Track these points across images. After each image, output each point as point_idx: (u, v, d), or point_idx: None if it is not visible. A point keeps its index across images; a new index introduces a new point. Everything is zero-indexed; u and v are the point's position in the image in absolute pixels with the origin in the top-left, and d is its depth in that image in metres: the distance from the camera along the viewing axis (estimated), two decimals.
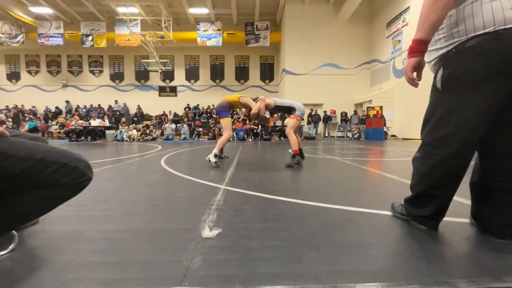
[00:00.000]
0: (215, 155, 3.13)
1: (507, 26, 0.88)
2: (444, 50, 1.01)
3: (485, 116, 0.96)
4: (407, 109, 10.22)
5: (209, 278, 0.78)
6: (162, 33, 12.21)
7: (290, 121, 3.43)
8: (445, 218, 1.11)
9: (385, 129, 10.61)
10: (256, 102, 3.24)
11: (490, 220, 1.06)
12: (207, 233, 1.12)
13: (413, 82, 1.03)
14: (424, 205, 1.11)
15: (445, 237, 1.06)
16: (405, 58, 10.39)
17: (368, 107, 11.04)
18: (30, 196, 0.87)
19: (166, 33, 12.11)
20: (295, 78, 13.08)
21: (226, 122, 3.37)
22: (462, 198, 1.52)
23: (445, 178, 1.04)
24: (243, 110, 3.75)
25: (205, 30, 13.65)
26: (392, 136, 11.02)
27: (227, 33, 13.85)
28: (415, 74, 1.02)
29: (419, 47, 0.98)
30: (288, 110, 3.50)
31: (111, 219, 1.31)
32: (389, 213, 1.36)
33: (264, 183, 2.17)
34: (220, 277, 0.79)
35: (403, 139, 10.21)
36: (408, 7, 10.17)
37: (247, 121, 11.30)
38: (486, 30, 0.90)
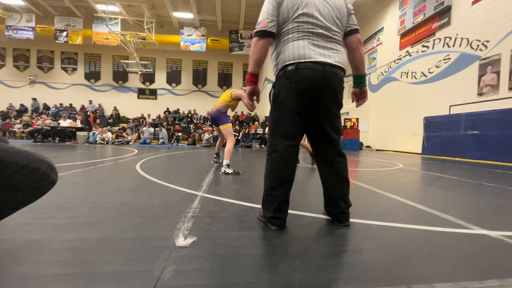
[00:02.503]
0: (228, 165, 3.06)
1: (301, 60, 1.19)
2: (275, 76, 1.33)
3: (295, 126, 1.26)
4: (380, 122, 10.82)
5: None
6: (144, 35, 11.94)
7: None
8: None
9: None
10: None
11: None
12: (181, 241, 1.09)
13: (251, 106, 1.33)
14: (270, 205, 1.26)
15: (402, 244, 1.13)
16: (380, 74, 11.08)
17: (345, 119, 11.54)
18: None
19: (148, 34, 11.85)
20: None
21: (229, 128, 3.27)
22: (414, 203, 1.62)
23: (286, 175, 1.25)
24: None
25: (189, 35, 13.57)
26: (367, 147, 11.57)
27: (211, 39, 13.87)
28: (254, 98, 1.34)
29: (251, 78, 1.28)
30: None
31: (77, 227, 1.23)
32: (362, 221, 1.42)
33: (243, 191, 2.17)
34: (192, 287, 0.77)
35: (377, 150, 10.75)
36: (382, 28, 10.94)
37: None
38: (291, 62, 1.21)
